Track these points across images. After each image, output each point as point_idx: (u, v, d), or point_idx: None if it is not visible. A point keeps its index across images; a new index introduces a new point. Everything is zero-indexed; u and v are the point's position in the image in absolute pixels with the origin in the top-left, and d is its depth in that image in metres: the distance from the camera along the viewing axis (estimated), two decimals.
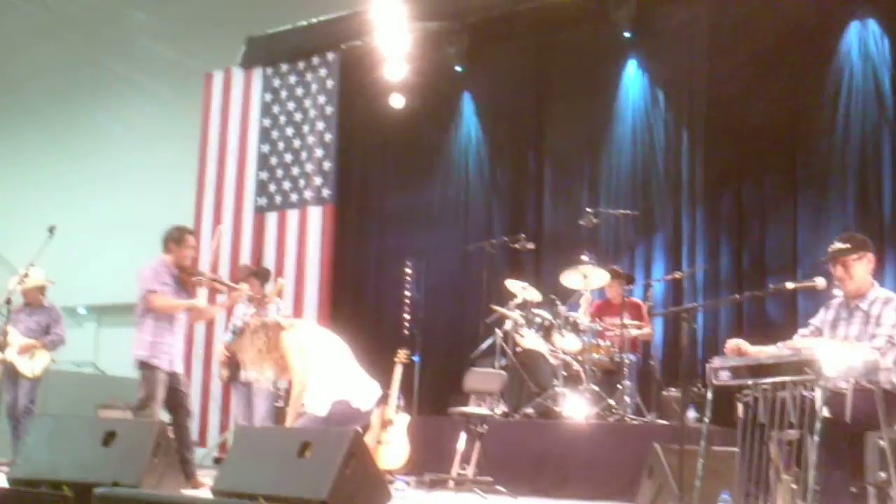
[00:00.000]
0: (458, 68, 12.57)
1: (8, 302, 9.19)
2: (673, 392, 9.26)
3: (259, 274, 9.82)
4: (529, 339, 9.63)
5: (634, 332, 9.78)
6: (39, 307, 9.79)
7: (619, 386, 9.26)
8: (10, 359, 9.26)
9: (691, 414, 8.32)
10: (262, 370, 6.57)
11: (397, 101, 12.31)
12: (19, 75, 21.56)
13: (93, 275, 18.07)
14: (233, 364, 9.17)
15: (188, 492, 5.94)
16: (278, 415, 9.37)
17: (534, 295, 9.96)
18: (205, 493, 6.12)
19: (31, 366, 9.40)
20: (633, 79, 11.70)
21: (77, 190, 19.39)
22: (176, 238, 8.19)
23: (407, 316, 11.35)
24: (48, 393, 10.13)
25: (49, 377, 10.27)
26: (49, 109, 20.78)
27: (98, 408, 12.39)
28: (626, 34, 11.40)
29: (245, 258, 13.07)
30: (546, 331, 9.67)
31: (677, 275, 10.42)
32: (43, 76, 20.96)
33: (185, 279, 8.01)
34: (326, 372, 6.41)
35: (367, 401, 6.39)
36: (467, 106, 12.93)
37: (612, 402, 9.15)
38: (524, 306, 9.88)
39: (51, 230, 8.95)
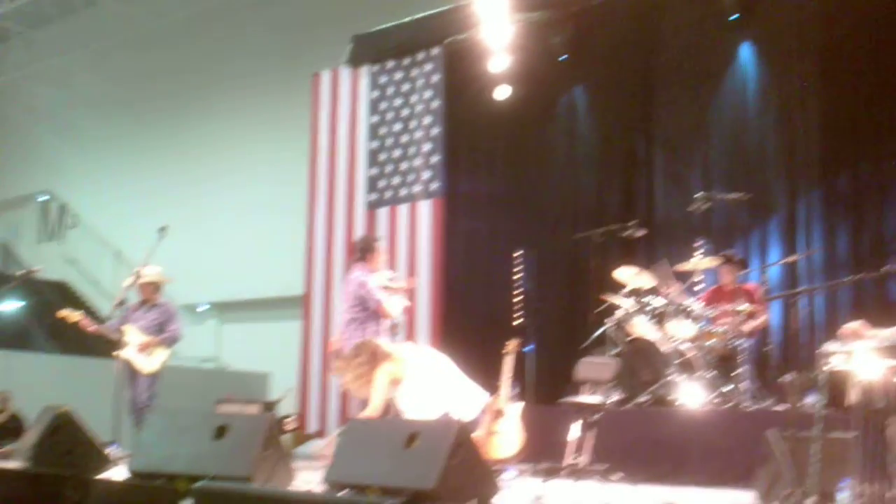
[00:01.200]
0: (563, 57, 12.49)
1: (122, 302, 9.44)
2: (790, 377, 9.04)
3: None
4: (641, 327, 9.52)
5: (750, 323, 9.53)
6: (154, 304, 10.02)
7: (734, 372, 9.09)
8: (127, 356, 9.51)
9: (809, 399, 8.12)
10: (359, 390, 6.81)
11: (503, 93, 12.28)
12: (131, 80, 22.16)
13: (212, 272, 18.49)
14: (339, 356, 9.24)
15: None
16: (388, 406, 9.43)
17: (646, 282, 9.85)
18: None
19: (149, 362, 9.63)
20: (742, 59, 11.47)
21: (193, 191, 19.86)
22: (372, 248, 8.95)
23: (518, 306, 11.32)
24: (171, 388, 10.37)
25: (172, 373, 10.53)
26: (161, 113, 21.31)
27: (218, 402, 12.65)
28: (734, 15, 11.18)
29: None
30: (659, 318, 9.55)
31: (793, 258, 10.19)
32: (154, 80, 21.49)
33: None
34: (422, 393, 6.52)
35: (469, 410, 6.47)
36: (574, 94, 12.84)
37: (727, 388, 8.99)
38: (636, 294, 9.78)
39: (162, 230, 9.21)
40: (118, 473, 6.19)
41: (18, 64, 24.25)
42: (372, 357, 7.21)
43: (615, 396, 9.21)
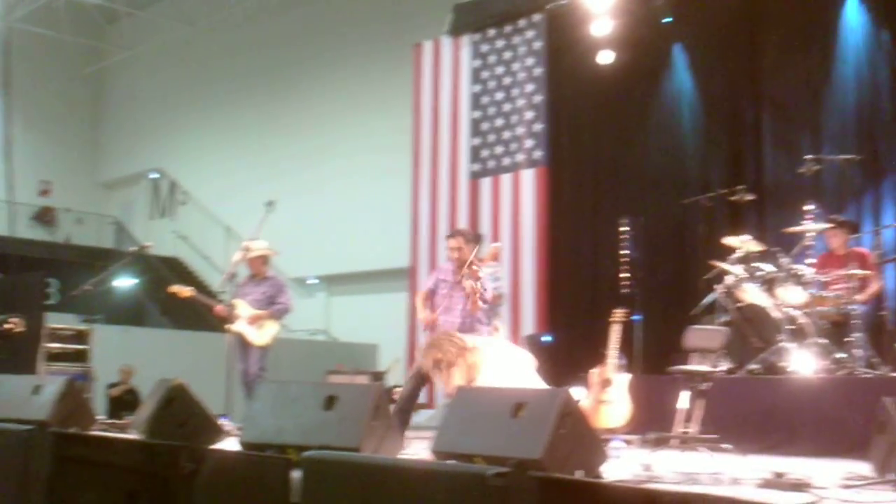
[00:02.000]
0: (666, 20, 12.28)
1: (232, 276, 9.58)
2: None
3: (474, 239, 9.84)
4: (752, 294, 9.34)
5: (865, 290, 9.27)
6: (264, 278, 10.15)
7: (847, 339, 8.87)
8: (239, 329, 9.67)
9: None
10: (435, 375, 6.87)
11: (606, 58, 12.13)
12: (235, 56, 22.45)
13: (320, 246, 18.71)
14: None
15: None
16: None
17: (755, 247, 9.66)
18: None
19: (260, 335, 9.77)
20: (852, 18, 11.14)
21: (299, 163, 20.10)
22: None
23: (625, 275, 11.21)
24: (282, 360, 10.54)
25: (283, 345, 10.69)
26: (265, 87, 21.57)
27: (328, 373, 12.82)
28: None
29: (462, 225, 13.21)
30: (769, 284, 9.35)
31: None
32: (258, 55, 21.76)
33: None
34: None
35: None
36: (678, 57, 12.64)
37: (841, 355, 8.78)
38: (745, 260, 9.60)
39: (269, 204, 9.32)
40: (230, 445, 6.30)
41: (127, 44, 24.74)
42: (456, 349, 7.19)
43: (725, 365, 9.07)
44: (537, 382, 7.00)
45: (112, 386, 13.89)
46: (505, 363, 7.11)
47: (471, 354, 7.05)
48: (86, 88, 27.87)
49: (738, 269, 9.44)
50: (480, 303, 8.41)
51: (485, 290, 8.36)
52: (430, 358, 7.12)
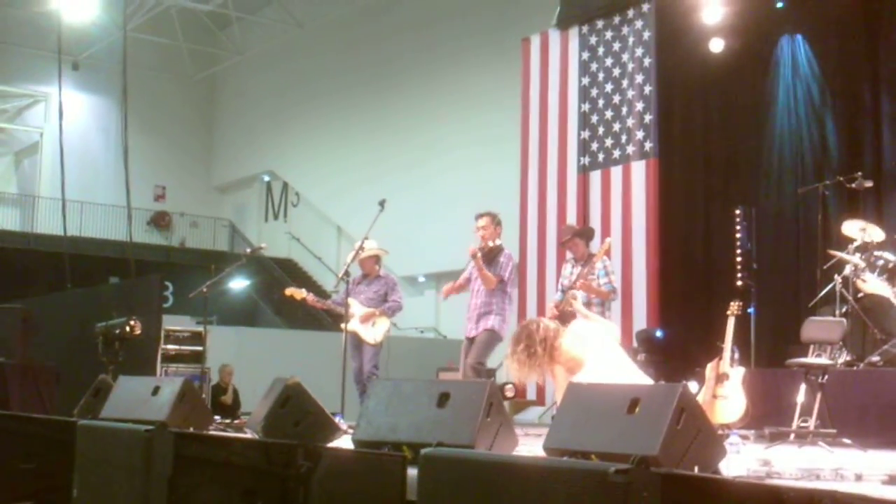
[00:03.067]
0: (779, 4, 12.02)
1: (346, 274, 9.67)
2: None
3: (583, 234, 9.81)
4: (872, 284, 9.10)
5: None
6: (376, 277, 10.22)
7: None
8: (353, 328, 9.75)
9: None
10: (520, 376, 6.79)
11: (717, 46, 11.94)
12: (342, 55, 22.66)
13: (429, 244, 18.77)
14: (562, 322, 9.24)
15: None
16: None
17: (876, 235, 9.40)
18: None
19: (373, 333, 9.84)
20: None
21: (408, 161, 20.20)
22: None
23: (739, 266, 11.00)
24: (393, 358, 10.59)
25: (394, 343, 10.74)
26: (373, 85, 21.72)
27: (438, 371, 12.84)
28: None
29: (571, 219, 13.13)
30: (890, 273, 9.09)
31: None
32: (365, 53, 21.93)
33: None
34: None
35: None
36: (791, 43, 12.35)
37: None
38: (865, 249, 9.34)
39: (381, 203, 9.39)
40: (345, 443, 6.35)
41: (238, 48, 25.20)
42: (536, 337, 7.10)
43: (844, 357, 8.86)
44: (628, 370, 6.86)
45: (216, 387, 13.81)
46: (598, 339, 6.99)
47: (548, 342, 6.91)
48: (198, 93, 28.49)
49: (857, 259, 9.20)
50: (498, 284, 9.03)
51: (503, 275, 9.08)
52: (514, 366, 6.99)
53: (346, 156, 22.47)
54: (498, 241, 9.33)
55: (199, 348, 12.59)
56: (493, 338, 9.13)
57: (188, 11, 24.34)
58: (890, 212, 10.69)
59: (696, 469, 4.77)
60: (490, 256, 9.21)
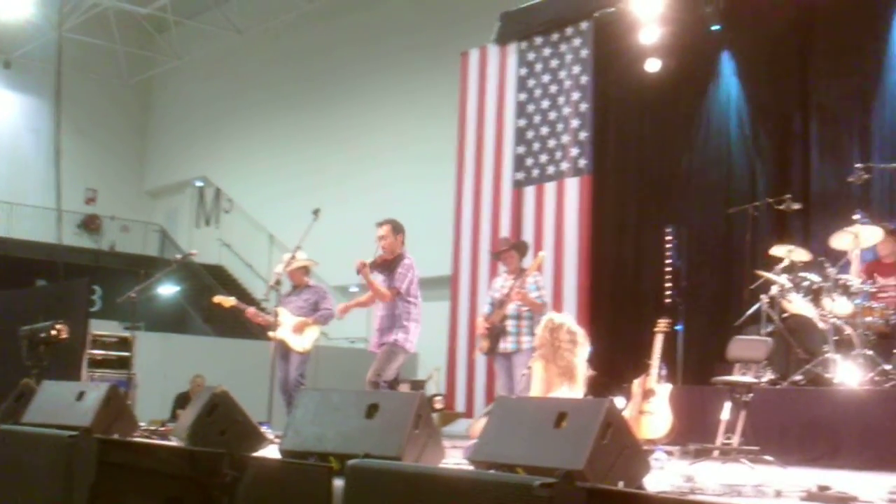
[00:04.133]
0: (714, 27, 12.18)
1: (277, 283, 9.62)
2: None
3: (519, 247, 9.87)
4: (797, 304, 9.26)
5: None
6: (305, 287, 10.21)
7: (895, 350, 8.75)
8: (282, 336, 9.71)
9: None
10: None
11: (653, 66, 12.05)
12: (280, 64, 22.58)
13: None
14: (492, 335, 9.29)
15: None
16: None
17: (801, 256, 9.57)
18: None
19: (301, 341, 9.80)
20: None
21: (343, 171, 20.17)
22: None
23: (668, 285, 11.13)
24: (323, 368, 10.58)
25: (324, 353, 10.72)
26: (310, 95, 21.67)
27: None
28: None
29: (504, 233, 13.18)
30: (815, 294, 9.26)
31: None
32: (303, 63, 21.87)
33: None
34: None
35: None
36: (726, 65, 12.53)
37: (888, 367, 8.66)
38: (791, 270, 9.51)
39: (315, 213, 9.37)
40: (271, 452, 6.31)
41: (175, 53, 24.97)
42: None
43: (768, 375, 9.00)
44: None
45: (181, 395, 13.72)
46: None
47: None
48: (134, 97, 28.20)
49: (784, 279, 9.35)
50: (398, 296, 8.98)
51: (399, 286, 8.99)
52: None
53: (281, 164, 22.36)
54: (401, 249, 9.23)
55: (126, 354, 12.44)
56: (394, 352, 8.95)
57: (126, 14, 24.07)
58: (817, 234, 10.87)
59: (621, 484, 4.81)
60: (391, 266, 9.13)
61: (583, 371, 6.99)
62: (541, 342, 7.07)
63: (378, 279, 9.08)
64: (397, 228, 9.26)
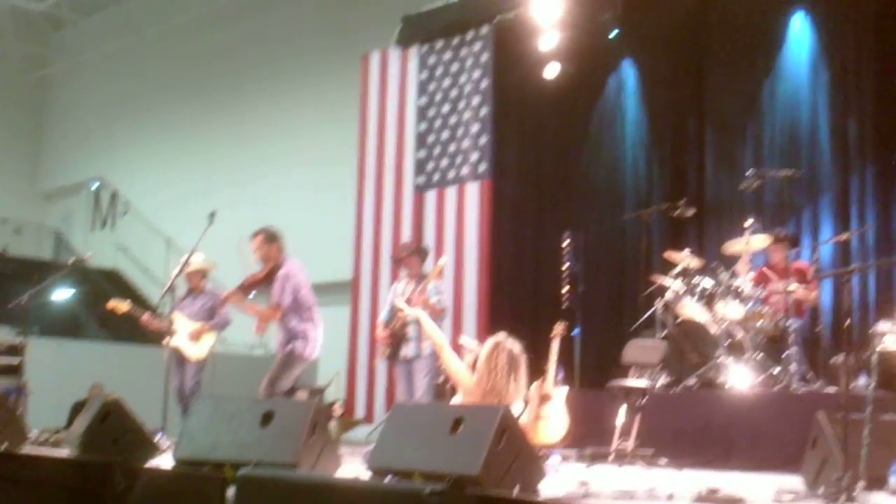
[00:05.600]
0: (613, 34, 12.33)
1: (171, 289, 9.47)
2: (841, 359, 8.90)
3: (420, 252, 9.87)
4: (690, 309, 9.42)
5: (799, 294, 9.40)
6: (202, 292, 10.07)
7: (784, 354, 8.96)
8: (176, 344, 9.56)
9: (862, 381, 7.99)
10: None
11: (552, 71, 12.13)
12: (179, 65, 22.28)
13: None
14: (392, 342, 9.28)
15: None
16: (437, 391, 9.44)
17: (695, 262, 9.75)
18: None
19: (197, 349, 9.66)
20: (797, 33, 11.30)
21: (242, 175, 19.94)
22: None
23: (566, 289, 11.22)
24: (220, 376, 10.40)
25: (221, 360, 10.55)
26: (209, 97, 21.39)
27: None
28: None
29: (406, 237, 13.18)
30: (708, 299, 9.43)
31: (845, 236, 10.02)
32: (202, 65, 21.60)
33: None
34: None
35: None
36: (624, 72, 12.73)
37: (777, 370, 8.87)
38: (685, 275, 9.67)
39: (211, 216, 9.22)
40: (165, 461, 6.22)
41: (71, 51, 24.47)
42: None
43: (663, 380, 9.14)
44: None
45: (78, 403, 13.37)
46: None
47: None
48: (28, 96, 27.50)
49: (677, 284, 9.50)
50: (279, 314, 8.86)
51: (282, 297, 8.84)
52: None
53: (180, 167, 22.03)
54: (280, 258, 9.08)
55: (16, 361, 12.12)
56: (289, 361, 8.83)
57: (20, 10, 23.53)
58: (710, 239, 11.09)
59: (516, 489, 4.84)
60: (270, 279, 8.99)
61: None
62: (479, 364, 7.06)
63: (274, 294, 8.91)
64: (271, 237, 9.05)
